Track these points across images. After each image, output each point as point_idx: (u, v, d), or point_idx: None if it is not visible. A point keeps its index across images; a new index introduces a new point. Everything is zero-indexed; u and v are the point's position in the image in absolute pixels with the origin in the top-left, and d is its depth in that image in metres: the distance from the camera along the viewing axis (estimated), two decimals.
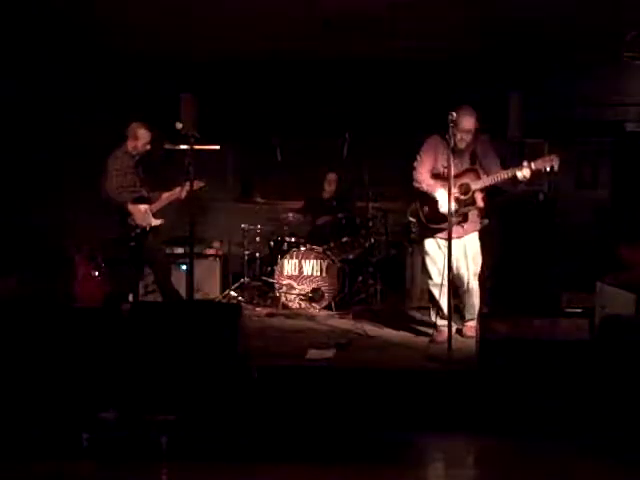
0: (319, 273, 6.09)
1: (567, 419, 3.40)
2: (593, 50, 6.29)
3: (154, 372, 3.56)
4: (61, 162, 6.75)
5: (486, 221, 4.90)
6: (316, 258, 6.11)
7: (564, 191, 6.89)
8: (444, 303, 4.62)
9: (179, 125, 4.85)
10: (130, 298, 6.16)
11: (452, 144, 4.28)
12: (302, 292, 6.05)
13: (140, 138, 5.37)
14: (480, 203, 4.64)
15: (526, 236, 4.82)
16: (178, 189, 5.40)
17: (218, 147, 7.01)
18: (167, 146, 6.62)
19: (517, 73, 6.63)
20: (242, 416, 3.44)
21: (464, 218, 4.66)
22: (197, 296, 5.85)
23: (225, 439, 3.30)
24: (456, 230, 4.51)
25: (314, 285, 6.06)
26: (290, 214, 6.73)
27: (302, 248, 6.16)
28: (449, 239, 4.20)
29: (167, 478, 3.10)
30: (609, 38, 5.89)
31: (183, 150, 5.40)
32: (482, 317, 4.14)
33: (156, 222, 5.44)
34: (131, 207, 5.31)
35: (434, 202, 4.59)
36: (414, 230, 5.87)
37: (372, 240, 6.37)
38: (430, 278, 4.81)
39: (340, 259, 6.21)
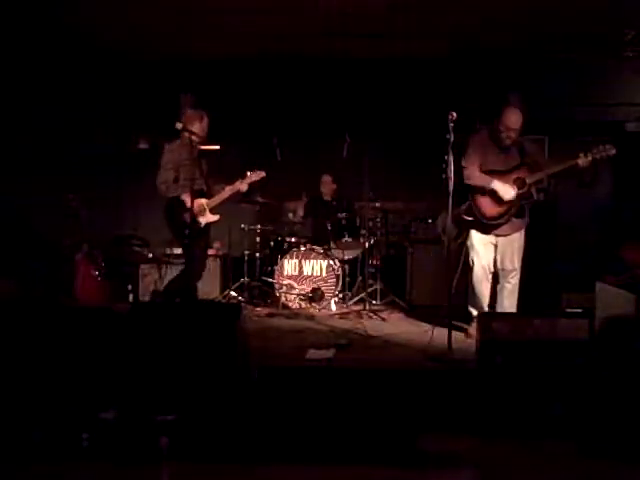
0: (319, 273, 6.09)
1: (567, 419, 3.40)
2: (593, 50, 6.29)
3: (154, 372, 3.56)
4: (61, 162, 6.75)
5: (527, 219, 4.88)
6: (316, 258, 6.12)
7: (564, 191, 6.89)
8: (484, 299, 4.78)
9: (179, 125, 4.82)
10: (130, 298, 6.18)
11: (451, 141, 4.26)
12: (302, 292, 6.05)
13: (198, 123, 5.01)
14: (537, 196, 4.68)
15: (526, 236, 4.80)
16: (238, 181, 5.19)
17: (218, 147, 7.01)
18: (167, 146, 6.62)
19: (517, 73, 6.63)
20: (242, 416, 3.43)
21: (520, 213, 4.70)
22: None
23: (225, 439, 3.30)
24: (510, 226, 4.69)
25: (314, 285, 6.06)
26: (290, 214, 6.74)
27: (302, 248, 6.16)
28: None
29: (167, 478, 3.09)
30: (609, 38, 5.90)
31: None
32: (482, 317, 4.13)
33: (213, 218, 5.12)
34: (187, 199, 4.88)
35: (492, 195, 4.63)
36: (442, 227, 5.79)
37: (372, 240, 6.37)
38: (474, 272, 4.83)
39: (340, 259, 6.21)
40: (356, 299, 6.20)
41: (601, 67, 6.64)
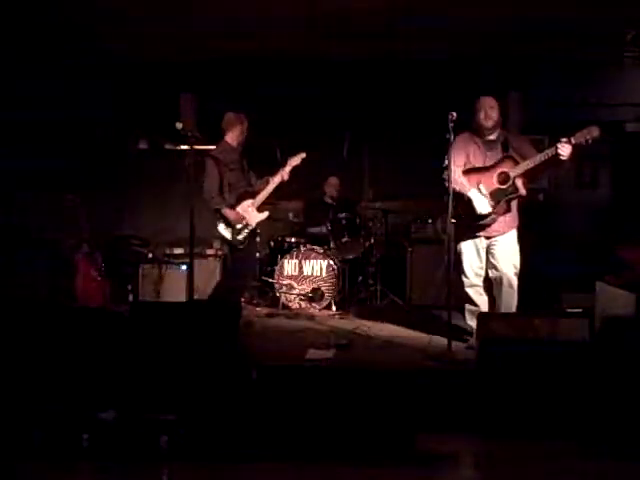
0: (319, 273, 6.09)
1: (567, 419, 3.40)
2: (593, 50, 6.29)
3: (154, 372, 3.56)
4: (61, 162, 6.75)
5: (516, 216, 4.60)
6: (316, 258, 6.11)
7: (564, 191, 6.89)
8: (482, 304, 4.57)
9: (179, 125, 4.82)
10: (130, 298, 6.18)
11: (451, 141, 4.27)
12: (302, 292, 6.05)
13: (239, 126, 5.05)
14: (523, 190, 4.38)
15: (526, 236, 4.76)
16: (280, 170, 5.10)
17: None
18: (167, 146, 6.62)
19: (517, 73, 6.63)
20: (242, 416, 3.44)
21: (507, 208, 4.45)
22: (197, 296, 5.85)
23: (225, 439, 3.30)
24: (498, 226, 4.45)
25: (314, 285, 6.06)
26: (290, 214, 6.73)
27: (302, 248, 6.16)
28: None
29: (167, 478, 3.09)
30: (609, 38, 5.90)
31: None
32: (482, 317, 4.13)
33: (261, 217, 5.08)
34: (228, 212, 4.95)
35: (469, 202, 4.43)
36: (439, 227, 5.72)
37: (372, 240, 6.37)
38: (466, 278, 4.60)
39: (340, 259, 6.21)
40: (356, 299, 6.20)
41: (601, 67, 6.64)
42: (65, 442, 3.24)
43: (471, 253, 4.58)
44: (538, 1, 5.28)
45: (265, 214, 5.13)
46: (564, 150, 4.14)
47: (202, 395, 3.49)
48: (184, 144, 5.53)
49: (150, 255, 6.50)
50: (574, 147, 4.15)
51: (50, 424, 3.34)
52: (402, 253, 6.57)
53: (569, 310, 5.17)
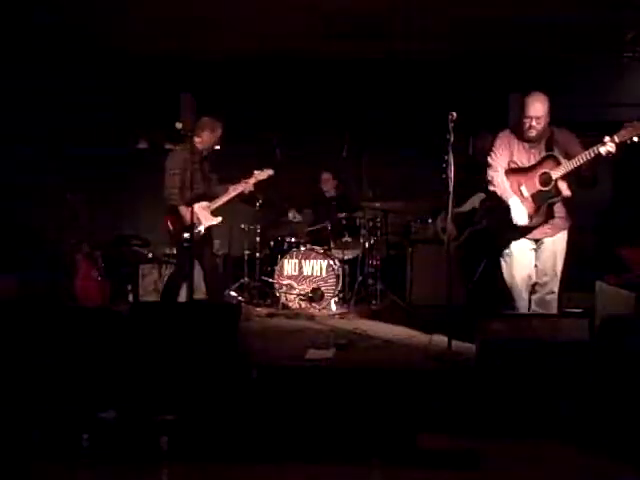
0: (319, 273, 6.09)
1: (567, 419, 3.40)
2: (593, 50, 6.29)
3: (154, 372, 3.56)
4: (61, 162, 6.75)
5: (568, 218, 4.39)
6: (316, 258, 6.11)
7: None
8: (522, 308, 4.38)
9: (179, 125, 4.82)
10: (130, 298, 6.18)
11: (451, 141, 4.24)
12: (302, 292, 6.04)
13: (213, 132, 5.08)
14: (567, 192, 4.18)
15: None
16: (243, 181, 5.12)
17: (218, 147, 7.01)
18: (167, 146, 6.62)
19: (517, 73, 6.63)
20: (242, 416, 3.44)
21: (549, 214, 4.24)
22: (197, 296, 5.85)
23: (225, 439, 3.30)
24: (546, 228, 4.27)
25: (314, 285, 6.06)
26: (290, 214, 6.74)
27: (302, 248, 6.16)
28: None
29: (167, 478, 3.09)
30: (609, 38, 5.90)
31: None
32: (481, 317, 4.12)
33: (214, 221, 5.10)
34: (183, 210, 4.88)
35: (507, 209, 4.26)
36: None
37: (372, 240, 6.37)
38: (511, 286, 4.40)
39: (340, 259, 6.21)
40: (356, 299, 6.20)
41: (601, 67, 6.64)
42: (65, 442, 3.24)
43: (521, 256, 4.38)
44: (538, 1, 5.28)
45: (218, 219, 5.11)
46: (607, 149, 3.92)
47: (202, 395, 3.49)
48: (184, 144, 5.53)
49: (150, 255, 6.51)
50: (618, 146, 3.94)
51: (50, 424, 3.34)
52: (402, 253, 6.57)
53: (569, 310, 5.16)
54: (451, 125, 4.23)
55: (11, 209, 6.45)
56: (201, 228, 5.04)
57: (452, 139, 4.26)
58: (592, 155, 3.98)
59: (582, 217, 4.54)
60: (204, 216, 5.07)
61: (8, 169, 6.47)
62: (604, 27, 5.70)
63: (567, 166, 4.09)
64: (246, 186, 5.15)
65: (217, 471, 3.07)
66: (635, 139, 3.89)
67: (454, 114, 4.23)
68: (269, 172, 5.17)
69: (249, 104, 7.09)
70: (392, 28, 5.95)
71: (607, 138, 3.94)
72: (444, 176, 4.39)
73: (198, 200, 4.97)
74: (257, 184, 5.24)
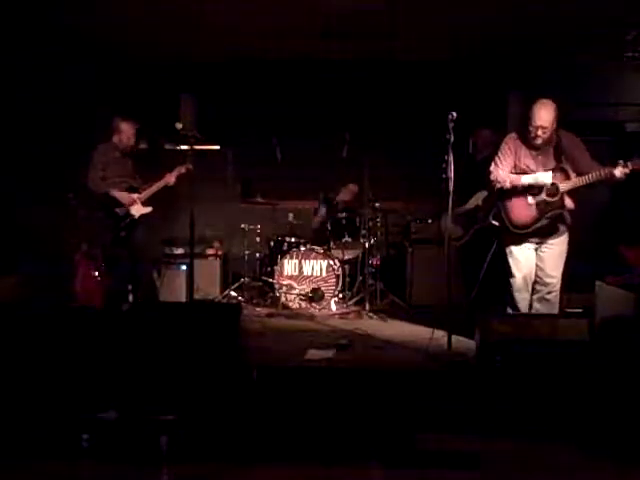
0: (319, 273, 6.09)
1: (567, 419, 3.40)
2: (593, 50, 6.29)
3: (154, 372, 3.56)
4: (61, 161, 6.74)
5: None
6: (316, 258, 6.11)
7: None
8: (524, 308, 4.46)
9: (179, 125, 4.85)
10: (130, 298, 6.17)
11: (451, 141, 4.25)
12: (302, 292, 6.05)
13: (123, 131, 5.48)
14: (570, 205, 4.34)
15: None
16: (167, 175, 5.51)
17: (218, 147, 7.01)
18: (167, 146, 6.62)
19: (517, 73, 6.63)
20: (242, 416, 3.44)
21: (552, 223, 4.37)
22: (197, 296, 5.85)
23: (225, 439, 3.30)
24: (544, 231, 4.37)
25: (314, 285, 6.06)
26: (290, 215, 6.73)
27: (302, 248, 6.16)
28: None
29: (167, 478, 3.09)
30: (609, 38, 5.90)
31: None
32: (482, 317, 4.12)
33: (144, 210, 5.52)
34: (117, 193, 5.41)
35: (523, 198, 4.33)
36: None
37: (372, 240, 6.37)
38: (513, 282, 4.51)
39: (340, 259, 6.21)
40: (356, 299, 6.21)
41: (601, 67, 6.64)
42: (65, 442, 3.24)
43: (520, 255, 4.47)
44: (538, 1, 5.28)
45: (149, 209, 5.55)
46: (620, 173, 4.07)
47: (202, 395, 3.49)
48: (184, 144, 5.56)
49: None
50: (632, 171, 4.08)
51: (50, 424, 3.34)
52: (402, 253, 6.57)
53: (569, 310, 5.17)
54: (451, 125, 4.24)
55: (11, 209, 6.45)
56: (135, 213, 5.49)
57: (452, 139, 4.27)
58: (603, 175, 4.11)
59: (582, 216, 4.55)
60: (136, 205, 5.51)
61: (8, 169, 6.47)
62: (604, 27, 5.70)
63: (577, 182, 4.22)
64: (169, 179, 5.53)
65: (217, 471, 3.08)
66: None
67: (454, 114, 4.24)
68: (188, 166, 5.50)
69: (249, 104, 7.09)
70: (392, 28, 5.94)
71: (621, 162, 4.07)
72: (444, 176, 4.41)
73: (128, 192, 5.48)
74: (178, 177, 5.59)
